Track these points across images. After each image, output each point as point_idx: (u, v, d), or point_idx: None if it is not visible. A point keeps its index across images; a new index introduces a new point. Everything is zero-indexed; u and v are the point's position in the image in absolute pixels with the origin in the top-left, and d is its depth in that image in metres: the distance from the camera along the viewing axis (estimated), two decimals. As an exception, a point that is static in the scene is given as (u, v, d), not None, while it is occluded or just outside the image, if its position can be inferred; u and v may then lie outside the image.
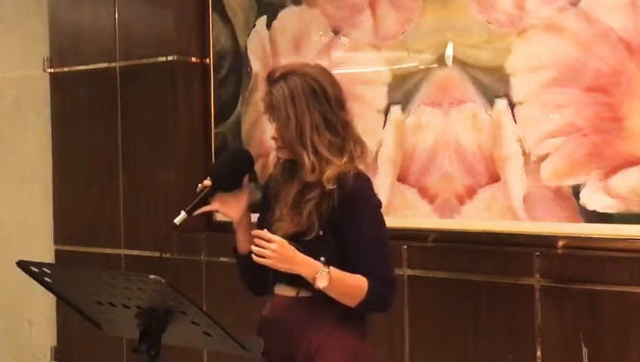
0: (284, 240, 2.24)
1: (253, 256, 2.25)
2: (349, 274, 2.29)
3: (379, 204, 2.41)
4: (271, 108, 2.36)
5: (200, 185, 2.41)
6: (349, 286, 2.29)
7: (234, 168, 2.45)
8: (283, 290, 2.42)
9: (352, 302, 2.30)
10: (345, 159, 2.32)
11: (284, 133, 2.33)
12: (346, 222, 2.31)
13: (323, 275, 2.24)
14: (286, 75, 2.34)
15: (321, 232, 2.31)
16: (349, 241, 2.29)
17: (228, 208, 2.43)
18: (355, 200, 2.32)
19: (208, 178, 2.40)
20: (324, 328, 2.34)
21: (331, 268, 2.25)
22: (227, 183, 2.42)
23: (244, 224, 2.46)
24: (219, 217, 4.15)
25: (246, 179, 2.45)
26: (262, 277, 2.46)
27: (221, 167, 2.52)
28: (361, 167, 2.44)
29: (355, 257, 2.29)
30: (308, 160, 2.30)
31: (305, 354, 2.34)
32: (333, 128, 2.33)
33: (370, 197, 2.39)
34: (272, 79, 2.37)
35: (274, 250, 2.22)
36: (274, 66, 3.90)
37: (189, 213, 2.36)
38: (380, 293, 2.31)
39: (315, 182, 2.31)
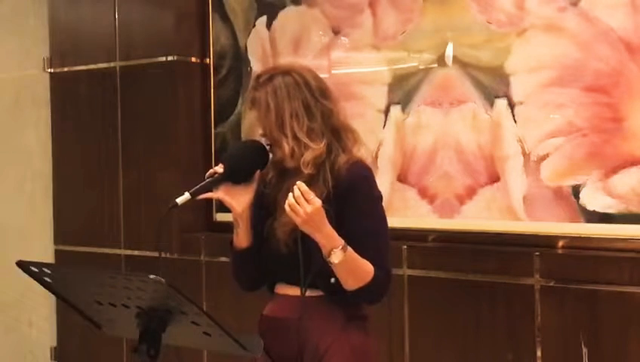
0: (320, 207, 2.23)
1: (286, 206, 2.24)
2: (360, 257, 2.28)
3: (380, 196, 2.40)
4: (253, 102, 2.40)
5: (211, 170, 2.40)
6: (360, 267, 2.28)
7: (249, 161, 2.41)
8: (287, 289, 2.41)
9: (354, 284, 2.29)
10: (323, 144, 2.33)
11: (264, 123, 2.37)
12: (347, 213, 2.31)
13: (340, 252, 2.24)
14: (272, 76, 2.38)
15: None
16: (350, 231, 2.29)
17: (232, 199, 2.39)
18: (353, 191, 2.32)
19: (221, 165, 2.39)
20: (333, 328, 2.34)
21: (349, 249, 2.25)
22: (239, 175, 2.39)
23: (245, 219, 2.43)
24: (219, 217, 4.16)
25: (257, 174, 2.44)
26: (259, 274, 2.45)
27: (236, 157, 2.47)
28: (358, 154, 2.43)
29: (357, 247, 2.29)
30: (287, 146, 2.33)
31: (313, 354, 2.33)
32: (313, 115, 2.35)
33: (371, 188, 2.38)
34: (258, 81, 2.40)
35: (308, 213, 2.21)
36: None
37: (192, 195, 2.33)
38: (382, 282, 2.31)
39: (297, 169, 2.32)
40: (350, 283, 2.29)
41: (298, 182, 2.24)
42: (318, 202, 2.22)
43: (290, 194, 2.23)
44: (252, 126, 2.44)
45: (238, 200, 2.40)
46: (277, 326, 2.40)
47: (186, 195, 2.32)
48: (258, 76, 2.43)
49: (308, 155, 2.32)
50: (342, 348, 2.32)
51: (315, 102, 2.36)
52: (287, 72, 2.39)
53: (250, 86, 2.46)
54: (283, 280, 2.42)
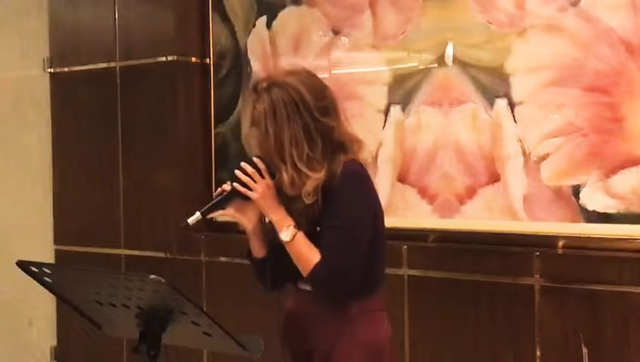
0: (271, 183, 2.35)
1: (236, 185, 2.35)
2: (312, 246, 2.33)
3: (367, 196, 2.39)
4: (254, 123, 2.40)
5: (220, 188, 2.42)
6: (303, 254, 2.34)
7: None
8: (305, 285, 2.44)
9: (303, 271, 2.36)
10: (323, 172, 2.33)
11: (264, 148, 2.38)
12: (329, 206, 2.32)
13: (290, 230, 2.34)
14: (270, 87, 2.36)
15: (318, 229, 2.35)
16: (322, 223, 2.33)
17: (243, 216, 2.43)
18: (340, 186, 2.32)
19: (228, 183, 2.40)
20: (343, 322, 2.37)
21: (300, 233, 2.34)
22: None
23: (258, 232, 2.47)
24: (219, 217, 4.15)
25: None
26: (278, 277, 2.48)
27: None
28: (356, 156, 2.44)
29: (323, 239, 2.33)
30: (287, 174, 2.33)
31: (322, 347, 2.37)
32: (313, 141, 2.34)
33: (356, 185, 2.36)
34: (257, 91, 2.40)
35: (264, 188, 2.34)
36: (274, 66, 3.95)
37: (203, 214, 2.36)
38: (322, 277, 2.32)
39: (298, 196, 2.34)
40: (300, 269, 2.36)
41: (255, 158, 2.35)
42: (266, 180, 2.34)
43: (238, 171, 2.34)
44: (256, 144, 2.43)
45: (248, 216, 2.43)
46: (294, 320, 2.46)
47: (197, 215, 2.36)
48: (255, 87, 2.42)
49: (309, 186, 2.32)
50: (350, 341, 2.36)
51: (314, 123, 2.34)
52: (284, 86, 2.34)
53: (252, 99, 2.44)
54: (301, 278, 2.43)
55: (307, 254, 2.33)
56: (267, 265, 2.46)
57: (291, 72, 2.46)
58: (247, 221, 2.43)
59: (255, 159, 2.35)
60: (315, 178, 2.31)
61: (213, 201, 2.40)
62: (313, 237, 2.35)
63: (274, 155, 2.35)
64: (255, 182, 2.35)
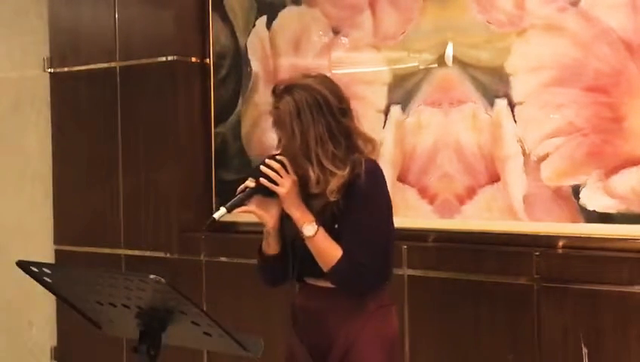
0: (296, 180, 2.39)
1: (263, 180, 2.37)
2: (333, 242, 2.38)
3: (383, 193, 2.45)
4: (278, 123, 2.43)
5: (243, 185, 2.44)
6: (325, 250, 2.38)
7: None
8: (316, 281, 2.47)
9: (324, 266, 2.39)
10: (347, 171, 2.37)
11: (289, 147, 2.41)
12: (348, 205, 2.36)
13: (312, 225, 2.37)
14: (291, 88, 2.40)
15: (336, 226, 2.40)
16: (343, 222, 2.37)
17: (265, 212, 2.46)
18: (359, 184, 2.36)
19: (251, 179, 2.42)
20: (361, 318, 2.41)
21: (321, 228, 2.38)
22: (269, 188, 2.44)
23: (276, 230, 2.49)
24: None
25: None
26: (284, 274, 2.52)
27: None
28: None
29: (343, 235, 2.37)
30: (313, 173, 2.37)
31: (341, 344, 2.41)
32: (337, 140, 2.39)
33: (375, 184, 2.42)
34: (277, 93, 2.43)
35: (290, 183, 2.37)
36: (274, 66, 3.97)
37: (228, 209, 2.39)
38: (345, 272, 2.37)
39: (322, 194, 2.38)
40: (321, 265, 2.39)
41: (279, 157, 2.38)
42: (292, 177, 2.38)
43: (264, 167, 2.37)
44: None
45: (270, 213, 2.46)
46: (308, 316, 2.48)
47: (222, 210, 2.39)
48: (274, 89, 2.46)
49: (333, 184, 2.36)
50: (369, 335, 2.41)
51: (337, 124, 2.40)
52: (306, 87, 2.40)
53: (272, 103, 2.47)
54: (312, 274, 2.48)
55: (330, 249, 2.37)
56: (275, 263, 2.50)
57: (309, 75, 2.51)
58: (269, 217, 2.46)
59: (279, 156, 2.39)
60: (340, 175, 2.36)
61: (238, 197, 2.42)
62: (331, 235, 2.39)
63: (299, 155, 2.39)
64: (281, 177, 2.38)
